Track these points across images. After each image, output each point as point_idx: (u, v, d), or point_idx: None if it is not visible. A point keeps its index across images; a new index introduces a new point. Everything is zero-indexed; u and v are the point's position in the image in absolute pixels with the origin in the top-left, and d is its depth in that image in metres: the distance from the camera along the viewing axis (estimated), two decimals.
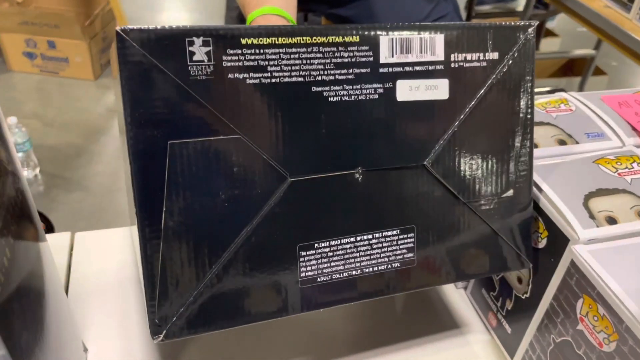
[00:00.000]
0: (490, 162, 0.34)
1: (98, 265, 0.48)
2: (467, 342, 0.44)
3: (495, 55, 0.32)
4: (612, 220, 0.34)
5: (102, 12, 1.97)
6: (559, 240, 0.34)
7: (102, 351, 0.41)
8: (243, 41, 0.27)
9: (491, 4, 2.61)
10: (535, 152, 0.39)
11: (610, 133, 0.42)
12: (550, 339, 0.35)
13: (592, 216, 0.34)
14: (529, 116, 0.34)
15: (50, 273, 0.34)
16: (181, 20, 2.59)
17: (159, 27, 0.25)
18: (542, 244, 0.36)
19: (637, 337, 0.28)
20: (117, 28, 0.25)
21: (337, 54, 0.28)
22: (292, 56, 0.27)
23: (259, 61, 0.27)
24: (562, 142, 0.41)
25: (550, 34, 2.02)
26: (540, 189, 0.36)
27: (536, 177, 0.37)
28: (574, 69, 1.86)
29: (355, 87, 0.29)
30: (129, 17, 1.88)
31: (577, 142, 0.41)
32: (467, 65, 0.31)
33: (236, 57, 0.27)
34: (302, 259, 0.31)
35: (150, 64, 0.26)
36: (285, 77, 0.28)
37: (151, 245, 0.28)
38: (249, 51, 0.27)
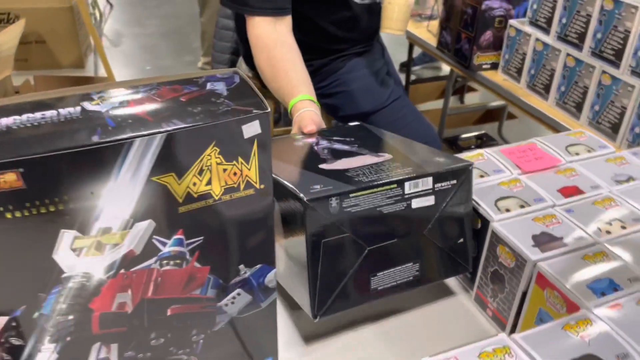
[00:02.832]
0: (453, 229, 0.73)
1: None
2: (450, 288, 0.81)
3: (454, 182, 0.70)
4: (508, 210, 0.73)
5: None
6: (485, 222, 0.72)
7: None
8: (351, 195, 0.64)
9: (421, 65, 3.12)
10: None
11: (505, 169, 0.82)
12: (488, 270, 0.73)
13: (499, 209, 0.73)
14: (470, 204, 0.73)
15: None
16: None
17: (319, 195, 0.62)
18: (479, 226, 0.74)
19: (520, 256, 0.66)
20: (305, 199, 0.61)
21: (387, 193, 0.65)
22: (369, 197, 0.64)
23: (357, 202, 0.64)
24: (482, 176, 0.80)
25: (472, 89, 2.52)
26: (476, 199, 0.75)
27: (475, 194, 0.75)
28: (493, 116, 2.34)
29: (395, 205, 0.67)
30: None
31: (489, 175, 0.80)
32: (442, 187, 0.69)
33: (348, 201, 0.63)
34: (372, 279, 0.69)
35: (314, 210, 0.62)
36: (367, 206, 0.65)
37: (315, 276, 0.65)
38: (353, 198, 0.63)
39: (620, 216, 0.72)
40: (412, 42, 1.88)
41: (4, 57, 2.13)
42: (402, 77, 2.41)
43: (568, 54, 1.22)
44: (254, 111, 0.48)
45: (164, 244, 0.50)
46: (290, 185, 0.65)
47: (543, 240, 0.68)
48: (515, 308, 0.69)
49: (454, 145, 2.05)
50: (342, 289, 0.67)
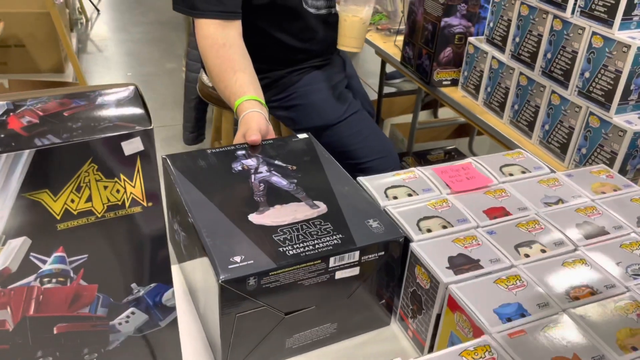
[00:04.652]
0: (377, 292, 0.72)
1: None
2: None
3: (382, 253, 0.69)
4: (429, 231, 0.72)
5: None
6: (407, 242, 0.72)
7: None
8: (270, 273, 0.62)
9: (401, 78, 3.13)
10: (398, 201, 0.78)
11: (435, 188, 0.81)
12: (408, 290, 0.72)
13: (420, 229, 0.72)
14: (397, 270, 0.72)
15: None
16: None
17: (236, 275, 0.60)
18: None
19: (434, 278, 0.66)
20: (220, 279, 0.60)
21: (311, 268, 0.64)
22: (291, 273, 0.63)
23: (277, 278, 0.62)
24: (410, 195, 0.79)
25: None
26: (398, 219, 0.74)
27: (397, 213, 0.74)
28: (465, 130, 2.34)
29: (317, 277, 0.65)
30: None
31: (417, 194, 0.80)
32: (368, 259, 0.68)
33: (267, 278, 0.62)
34: (287, 340, 0.68)
35: (229, 289, 0.60)
36: (287, 281, 0.63)
37: (226, 344, 0.64)
38: (272, 276, 0.62)
39: (542, 239, 0.72)
40: (380, 56, 1.88)
41: None
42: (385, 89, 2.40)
43: (521, 73, 1.22)
44: (136, 128, 0.48)
45: (44, 262, 0.49)
46: (210, 248, 0.64)
47: (458, 263, 0.67)
48: (431, 330, 0.68)
49: (423, 159, 2.05)
50: (254, 351, 0.67)
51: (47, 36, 2.92)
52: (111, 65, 3.58)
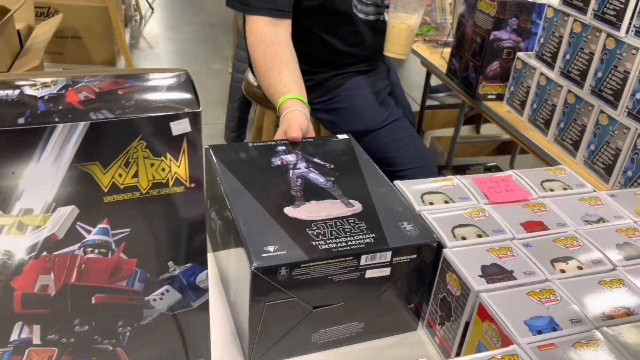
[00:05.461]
0: (407, 296, 0.72)
1: None
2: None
3: (414, 256, 0.69)
4: (464, 238, 0.72)
5: None
6: (440, 247, 0.71)
7: None
8: (302, 265, 0.63)
9: (444, 93, 3.11)
10: (434, 207, 0.78)
11: (472, 197, 0.81)
12: (438, 297, 0.72)
13: (455, 236, 0.72)
14: (429, 274, 0.72)
15: None
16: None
17: (269, 264, 0.62)
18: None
19: (466, 285, 0.65)
20: (253, 266, 0.61)
21: (342, 264, 0.65)
22: (322, 267, 0.64)
23: (308, 271, 0.63)
24: (446, 202, 0.79)
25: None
26: (433, 224, 0.74)
27: (434, 219, 0.74)
28: (508, 148, 2.31)
29: (347, 274, 0.66)
30: None
31: (454, 202, 0.79)
32: (400, 261, 0.68)
33: (298, 270, 0.63)
34: (313, 335, 0.69)
35: (261, 277, 0.62)
36: (318, 274, 0.64)
37: (254, 332, 0.65)
38: (303, 268, 0.63)
39: (579, 256, 0.70)
40: (425, 67, 1.87)
41: (35, 49, 2.21)
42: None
43: (569, 91, 1.20)
44: (185, 109, 0.49)
45: (89, 232, 0.51)
46: (245, 236, 0.65)
47: (491, 272, 0.66)
48: (459, 338, 0.68)
49: (462, 173, 2.03)
50: (280, 342, 0.68)
51: (102, 30, 3.03)
52: (160, 62, 3.68)
